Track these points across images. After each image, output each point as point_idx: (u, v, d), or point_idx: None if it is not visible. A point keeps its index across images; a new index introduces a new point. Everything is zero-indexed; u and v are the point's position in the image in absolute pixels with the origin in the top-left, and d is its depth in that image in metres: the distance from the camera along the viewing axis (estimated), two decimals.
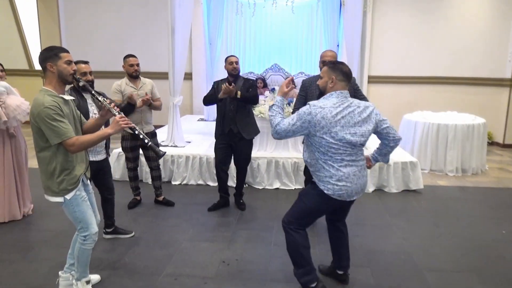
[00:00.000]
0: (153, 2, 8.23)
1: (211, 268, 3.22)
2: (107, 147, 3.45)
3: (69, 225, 2.72)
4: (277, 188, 5.20)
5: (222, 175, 4.38)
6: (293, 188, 5.15)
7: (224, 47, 8.03)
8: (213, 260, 3.34)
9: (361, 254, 3.47)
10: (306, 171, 3.89)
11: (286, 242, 2.77)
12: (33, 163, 3.55)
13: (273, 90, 6.42)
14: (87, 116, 3.15)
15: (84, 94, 3.24)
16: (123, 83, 4.20)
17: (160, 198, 4.57)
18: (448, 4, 7.81)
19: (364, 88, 6.51)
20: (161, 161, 4.97)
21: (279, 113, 2.64)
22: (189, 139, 6.02)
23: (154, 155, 4.25)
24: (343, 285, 3.00)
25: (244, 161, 4.42)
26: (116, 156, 5.35)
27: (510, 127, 7.69)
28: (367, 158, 2.86)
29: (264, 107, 5.18)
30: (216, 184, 4.78)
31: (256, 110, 5.11)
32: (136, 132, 2.65)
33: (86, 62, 3.33)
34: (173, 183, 5.28)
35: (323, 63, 3.63)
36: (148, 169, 5.15)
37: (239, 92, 4.08)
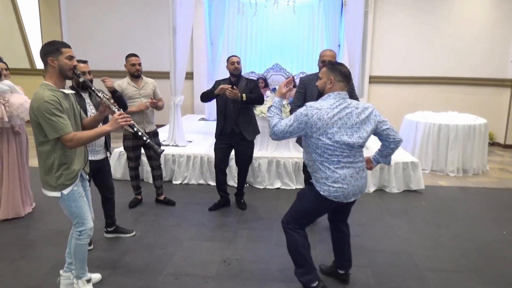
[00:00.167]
0: (154, 2, 8.23)
1: (212, 268, 3.22)
2: (107, 146, 3.44)
3: (70, 224, 2.72)
4: (278, 188, 5.20)
5: (220, 176, 4.39)
6: (294, 188, 5.15)
7: (225, 46, 8.04)
8: (214, 260, 3.35)
9: (362, 254, 3.47)
10: (305, 169, 3.90)
11: (286, 242, 2.78)
12: (34, 162, 3.55)
13: (274, 90, 6.42)
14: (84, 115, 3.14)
15: (83, 94, 3.22)
16: (125, 83, 4.20)
17: (161, 198, 4.58)
18: (450, 5, 7.81)
19: (365, 88, 6.52)
20: (162, 160, 4.98)
21: (277, 114, 2.65)
22: (190, 138, 6.02)
23: (154, 154, 4.26)
24: (344, 285, 3.00)
25: (245, 161, 4.42)
26: (117, 156, 5.36)
27: (511, 128, 7.69)
28: (368, 159, 2.84)
29: (265, 107, 5.18)
30: None
31: (257, 110, 5.12)
32: (135, 129, 2.65)
33: (85, 62, 3.32)
34: (174, 182, 5.28)
35: (322, 62, 3.62)
36: (149, 169, 5.16)
37: (244, 95, 4.07)
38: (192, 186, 5.23)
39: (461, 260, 3.42)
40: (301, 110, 2.53)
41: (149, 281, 3.03)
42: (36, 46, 8.62)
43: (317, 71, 3.73)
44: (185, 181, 5.30)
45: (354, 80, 5.36)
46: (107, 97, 2.68)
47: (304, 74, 7.79)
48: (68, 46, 2.51)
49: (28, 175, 4.26)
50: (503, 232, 4.00)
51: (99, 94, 2.65)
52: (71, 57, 2.48)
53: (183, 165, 5.29)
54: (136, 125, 2.66)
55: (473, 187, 5.44)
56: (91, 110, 3.25)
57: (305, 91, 3.73)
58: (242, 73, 4.38)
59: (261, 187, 5.20)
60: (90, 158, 3.20)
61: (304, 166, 3.98)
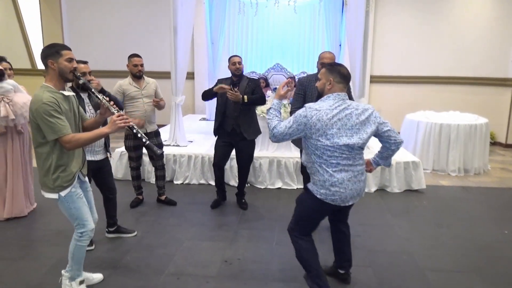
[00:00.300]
0: (155, 2, 8.24)
1: (213, 267, 3.22)
2: (106, 147, 3.44)
3: (70, 224, 2.72)
4: (279, 188, 5.20)
5: (218, 174, 4.44)
6: (295, 188, 5.15)
7: (226, 46, 8.04)
8: (215, 260, 3.35)
9: (363, 254, 3.47)
10: (304, 170, 3.89)
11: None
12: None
13: (275, 89, 6.42)
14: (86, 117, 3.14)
15: (82, 94, 3.22)
16: (126, 83, 4.21)
17: (163, 197, 4.58)
18: (451, 4, 7.80)
19: (366, 88, 6.52)
20: (164, 160, 4.98)
21: (276, 116, 2.64)
22: (191, 138, 6.02)
23: (153, 155, 4.26)
24: (345, 285, 2.99)
25: (246, 161, 4.42)
26: (119, 156, 5.36)
27: None
28: (368, 162, 2.82)
29: (266, 107, 5.18)
30: None
31: (258, 110, 5.12)
32: (135, 130, 2.64)
33: (85, 62, 3.32)
34: (175, 182, 5.29)
35: (321, 64, 3.62)
36: (150, 168, 5.18)
37: (245, 97, 4.07)
38: (193, 186, 5.24)
39: (462, 260, 3.42)
40: (300, 111, 2.52)
41: (150, 281, 3.03)
42: (37, 47, 8.63)
43: (317, 71, 3.73)
44: (186, 181, 5.31)
45: (355, 79, 5.37)
46: (107, 99, 2.67)
47: (305, 74, 7.80)
48: (68, 49, 2.51)
49: (31, 174, 4.29)
50: (505, 231, 3.99)
51: (99, 96, 2.65)
52: (71, 59, 2.49)
53: (184, 165, 5.30)
54: (135, 127, 2.66)
55: (474, 186, 5.43)
56: (90, 111, 3.25)
57: (305, 92, 3.72)
58: (243, 73, 4.38)
59: (262, 187, 5.20)
60: (89, 158, 3.21)
61: (303, 167, 3.98)
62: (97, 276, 3.00)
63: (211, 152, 5.12)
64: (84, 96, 3.24)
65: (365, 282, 3.05)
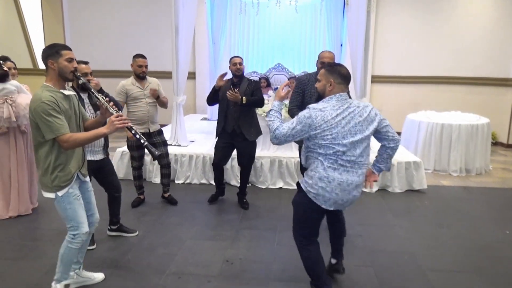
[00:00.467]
0: (156, 2, 8.24)
1: (215, 267, 3.22)
2: (105, 147, 3.44)
3: None
4: (280, 188, 5.20)
5: (217, 174, 4.51)
6: (296, 188, 5.14)
7: (227, 46, 8.04)
8: (216, 259, 3.35)
9: (364, 254, 3.47)
10: (304, 169, 3.88)
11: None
12: None
13: (276, 89, 6.43)
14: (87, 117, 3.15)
15: (82, 94, 3.22)
16: (129, 83, 4.22)
17: (166, 195, 4.63)
18: (452, 5, 7.79)
19: (368, 88, 6.51)
20: (169, 158, 4.96)
21: (278, 117, 2.59)
22: (192, 138, 6.03)
23: (151, 156, 4.26)
24: (345, 285, 2.99)
25: (247, 161, 4.42)
26: (120, 155, 5.37)
27: None
28: (369, 171, 2.73)
29: (268, 107, 5.18)
30: None
31: (260, 110, 5.12)
32: (133, 131, 2.64)
33: (86, 63, 3.32)
34: (176, 182, 5.29)
35: (321, 63, 3.62)
36: (151, 168, 5.20)
37: (244, 98, 4.08)
38: (194, 186, 5.24)
39: (463, 260, 3.41)
40: (303, 112, 2.49)
41: (151, 280, 3.04)
42: (38, 47, 8.63)
43: (316, 70, 3.74)
44: (188, 181, 5.31)
45: (356, 79, 5.37)
46: (106, 99, 2.67)
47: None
48: (68, 49, 2.51)
49: (36, 174, 4.31)
50: (506, 232, 3.99)
51: (99, 97, 2.64)
52: (71, 59, 2.49)
53: (186, 164, 5.30)
54: (134, 128, 2.64)
55: (476, 187, 5.42)
56: (90, 111, 3.26)
57: (303, 91, 3.70)
58: (244, 73, 4.39)
59: (264, 187, 5.20)
60: (89, 158, 3.21)
61: (303, 167, 3.96)
62: (98, 276, 3.00)
63: (212, 152, 5.12)
64: (84, 96, 3.24)
65: (366, 282, 3.05)
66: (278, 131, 2.52)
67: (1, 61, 3.96)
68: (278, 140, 2.53)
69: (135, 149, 4.33)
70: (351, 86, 2.67)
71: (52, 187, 2.50)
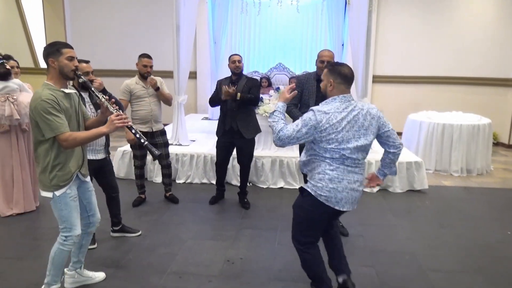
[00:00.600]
0: (157, 1, 8.24)
1: (216, 267, 3.22)
2: (107, 146, 3.44)
3: None
4: (281, 187, 5.20)
5: (220, 173, 4.53)
6: (297, 188, 5.12)
7: (228, 46, 8.03)
8: (217, 259, 3.35)
9: (365, 254, 3.47)
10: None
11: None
12: None
13: (277, 89, 6.42)
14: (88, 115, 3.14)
15: (83, 93, 3.21)
16: (133, 82, 4.22)
17: (168, 194, 4.64)
18: (453, 4, 7.78)
19: (369, 88, 6.50)
20: (169, 159, 4.97)
21: (281, 119, 2.55)
22: (193, 137, 6.03)
23: (151, 156, 4.26)
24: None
25: (246, 159, 4.44)
26: (121, 155, 5.37)
27: None
28: (374, 175, 2.73)
29: (269, 106, 5.18)
30: None
31: (261, 109, 5.12)
32: (133, 131, 2.63)
33: (87, 62, 3.31)
34: (177, 181, 5.29)
35: (321, 62, 3.61)
36: (152, 167, 5.20)
37: (239, 94, 4.09)
38: (195, 185, 5.24)
39: (465, 260, 3.41)
40: (308, 115, 2.44)
41: (152, 280, 3.04)
42: (40, 46, 8.63)
43: (316, 70, 3.73)
44: (189, 180, 5.31)
45: (357, 79, 5.36)
46: (106, 97, 2.66)
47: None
48: (70, 47, 2.50)
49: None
50: (507, 232, 3.98)
51: (99, 95, 2.63)
52: (71, 58, 2.47)
53: (187, 164, 5.30)
54: (134, 127, 2.63)
55: (477, 187, 5.42)
56: (91, 110, 3.25)
57: (302, 90, 3.68)
58: (246, 72, 4.39)
59: (264, 187, 5.20)
60: (90, 157, 3.20)
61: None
62: (99, 275, 3.00)
63: (213, 151, 5.12)
64: (85, 95, 3.24)
65: (367, 282, 3.05)
66: (282, 132, 2.46)
67: (4, 60, 3.98)
68: (282, 142, 2.48)
69: (138, 148, 4.33)
70: (352, 86, 2.64)
71: (51, 186, 2.48)
